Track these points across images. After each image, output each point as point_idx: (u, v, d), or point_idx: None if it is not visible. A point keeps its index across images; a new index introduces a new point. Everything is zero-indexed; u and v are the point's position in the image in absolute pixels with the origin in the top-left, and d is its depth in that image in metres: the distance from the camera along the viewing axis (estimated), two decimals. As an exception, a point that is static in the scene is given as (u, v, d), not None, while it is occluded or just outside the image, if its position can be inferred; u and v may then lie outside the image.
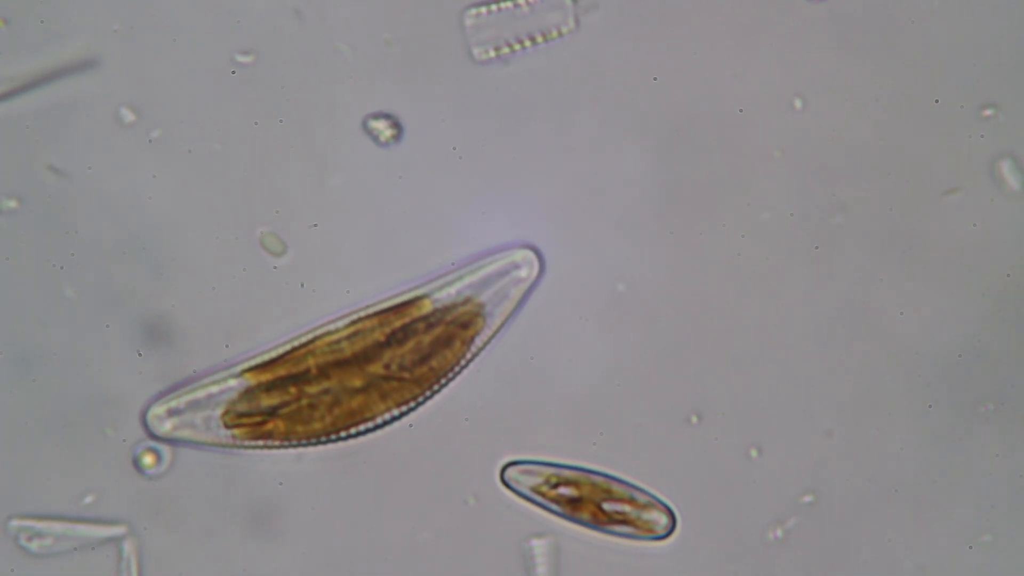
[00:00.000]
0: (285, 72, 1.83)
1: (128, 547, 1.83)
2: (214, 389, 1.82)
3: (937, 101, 1.85)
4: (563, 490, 1.80)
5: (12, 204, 1.79)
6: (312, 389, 1.81)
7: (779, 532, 1.87)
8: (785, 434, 1.88)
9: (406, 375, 1.81)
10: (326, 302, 1.85)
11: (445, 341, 1.81)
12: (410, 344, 1.81)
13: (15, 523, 1.81)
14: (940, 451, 1.88)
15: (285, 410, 1.81)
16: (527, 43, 1.84)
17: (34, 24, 1.82)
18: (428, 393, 1.83)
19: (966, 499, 1.88)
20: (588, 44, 1.86)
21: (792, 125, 1.86)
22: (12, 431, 1.85)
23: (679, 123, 1.86)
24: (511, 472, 1.82)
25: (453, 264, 1.84)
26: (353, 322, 1.82)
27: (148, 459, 1.82)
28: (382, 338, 1.81)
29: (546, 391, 1.86)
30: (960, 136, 1.86)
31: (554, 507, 1.80)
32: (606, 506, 1.80)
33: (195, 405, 1.81)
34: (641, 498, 1.82)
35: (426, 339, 1.81)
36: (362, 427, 1.82)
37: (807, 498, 1.88)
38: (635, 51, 1.86)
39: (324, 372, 1.80)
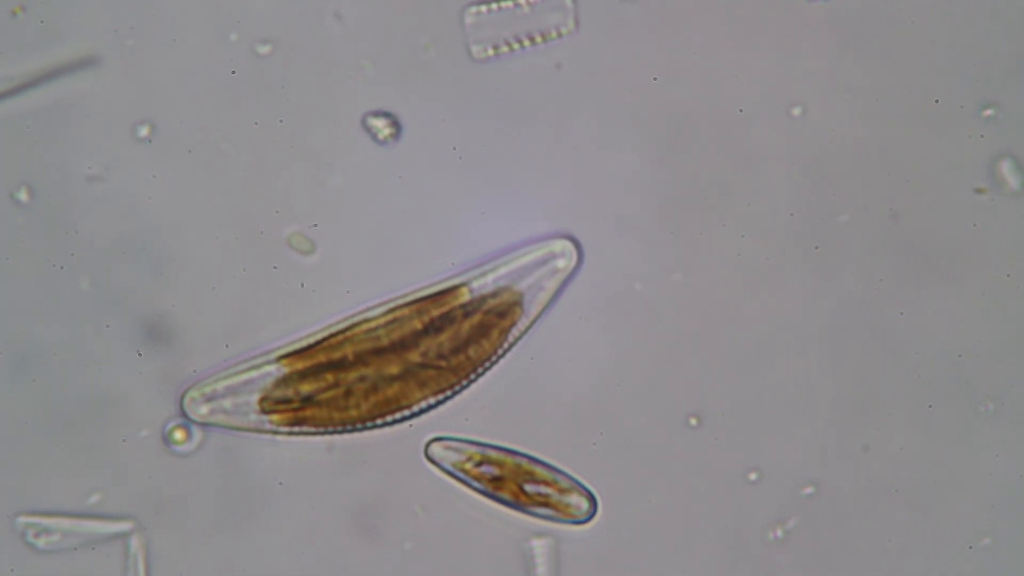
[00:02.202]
0: (285, 72, 1.83)
1: (135, 543, 1.83)
2: (252, 375, 1.82)
3: (937, 101, 1.85)
4: (486, 468, 1.80)
5: (23, 196, 1.79)
6: (349, 376, 1.80)
7: (779, 532, 1.86)
8: (785, 433, 1.88)
9: (443, 363, 1.81)
10: (327, 301, 1.85)
11: (482, 330, 1.81)
12: (448, 332, 1.81)
13: (22, 519, 1.81)
14: (940, 451, 1.88)
15: (321, 397, 1.80)
16: (526, 43, 1.83)
17: (34, 23, 1.82)
18: (465, 382, 1.83)
19: (966, 499, 1.87)
20: (588, 44, 1.86)
21: (792, 125, 1.86)
22: (12, 431, 1.84)
23: (679, 123, 1.86)
24: (435, 448, 1.83)
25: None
26: (391, 310, 1.81)
27: (179, 435, 1.82)
28: (420, 326, 1.80)
29: (547, 392, 1.87)
30: (960, 136, 1.85)
31: (476, 484, 1.82)
32: (528, 487, 1.81)
33: (232, 391, 1.82)
34: (563, 482, 1.82)
35: (463, 328, 1.81)
36: (398, 415, 1.82)
37: (808, 490, 1.87)
38: (635, 51, 1.86)
39: (361, 359, 1.80)
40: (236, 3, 1.83)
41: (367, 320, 1.81)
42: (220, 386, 1.82)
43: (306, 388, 1.81)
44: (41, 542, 1.82)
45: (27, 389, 1.83)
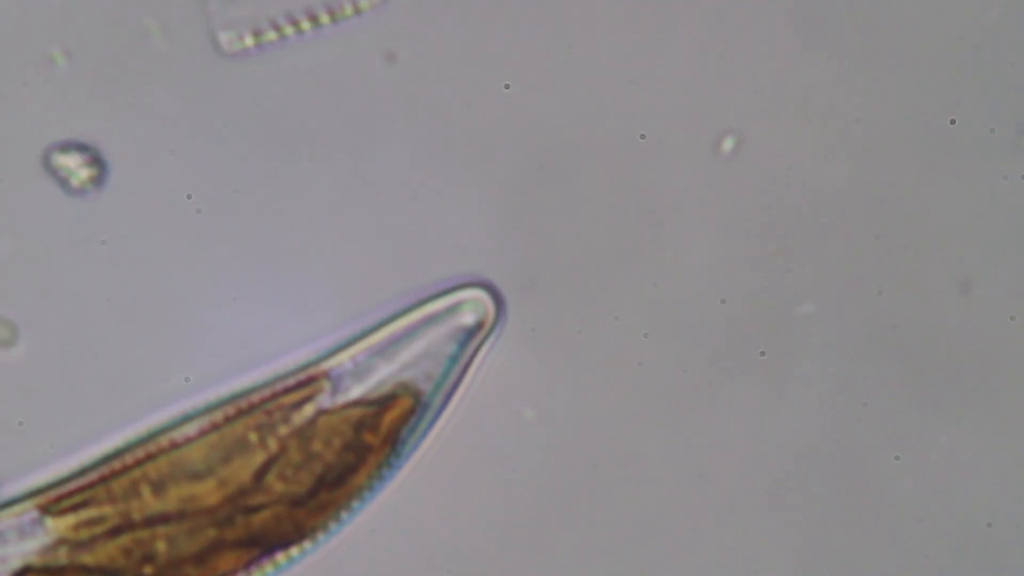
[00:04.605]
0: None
1: None
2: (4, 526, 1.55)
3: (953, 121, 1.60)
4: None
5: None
6: (147, 532, 1.53)
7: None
8: None
9: (296, 497, 1.54)
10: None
11: (357, 442, 1.56)
12: (303, 454, 1.56)
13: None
14: None
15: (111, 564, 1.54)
16: (304, 25, 1.58)
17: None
18: (336, 522, 1.56)
19: None
20: (401, 30, 1.60)
21: (714, 164, 1.63)
22: None
23: (543, 156, 1.66)
24: None
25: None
26: (206, 428, 1.55)
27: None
28: (256, 446, 1.54)
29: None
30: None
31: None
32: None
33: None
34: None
35: (326, 444, 1.56)
36: None
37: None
38: (472, 41, 1.62)
39: (163, 503, 1.53)
40: None
41: (175, 444, 1.53)
42: None
43: (85, 554, 1.52)
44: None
45: None
